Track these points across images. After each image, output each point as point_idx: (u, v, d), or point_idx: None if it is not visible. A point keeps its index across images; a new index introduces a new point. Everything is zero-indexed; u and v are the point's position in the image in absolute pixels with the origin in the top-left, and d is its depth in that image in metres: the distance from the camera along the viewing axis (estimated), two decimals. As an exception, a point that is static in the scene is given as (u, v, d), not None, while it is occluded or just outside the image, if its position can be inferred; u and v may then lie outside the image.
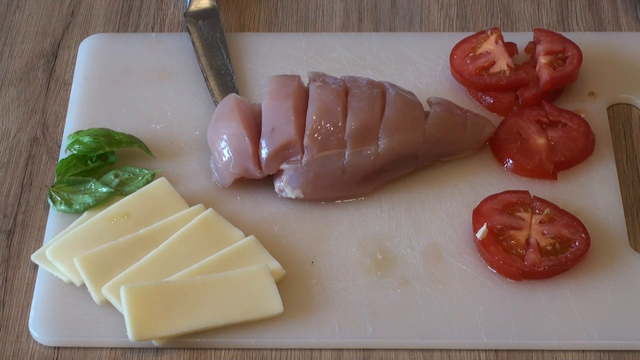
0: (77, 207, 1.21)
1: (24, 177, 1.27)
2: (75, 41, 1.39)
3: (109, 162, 1.25)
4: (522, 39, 1.35)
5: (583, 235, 1.17)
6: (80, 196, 1.22)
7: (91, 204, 1.21)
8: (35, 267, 1.18)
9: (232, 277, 1.14)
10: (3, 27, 1.41)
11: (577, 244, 1.16)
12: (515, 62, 1.31)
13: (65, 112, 1.32)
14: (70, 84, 1.35)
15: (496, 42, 1.31)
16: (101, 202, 1.21)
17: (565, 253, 1.16)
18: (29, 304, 1.16)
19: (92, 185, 1.22)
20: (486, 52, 1.32)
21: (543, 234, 1.17)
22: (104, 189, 1.21)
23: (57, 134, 1.30)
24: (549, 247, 1.16)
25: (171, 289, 1.12)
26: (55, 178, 1.23)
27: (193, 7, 1.40)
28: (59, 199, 1.22)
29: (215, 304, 1.12)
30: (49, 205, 1.22)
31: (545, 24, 1.41)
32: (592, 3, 1.43)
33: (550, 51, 1.30)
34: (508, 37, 1.34)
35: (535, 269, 1.14)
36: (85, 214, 1.20)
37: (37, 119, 1.32)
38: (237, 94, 1.29)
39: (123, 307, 1.11)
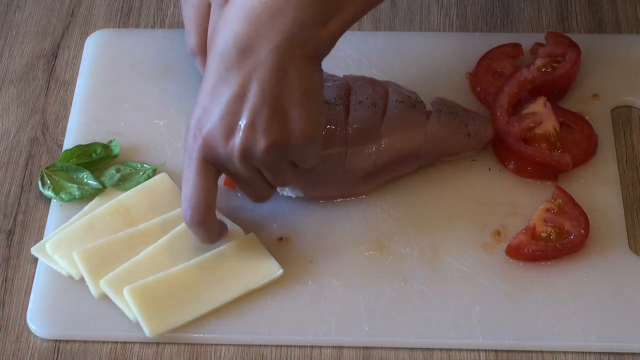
0: (63, 196, 1.21)
1: (24, 177, 1.26)
2: (75, 41, 1.39)
3: (112, 155, 1.25)
4: (528, 39, 1.34)
5: (582, 232, 1.16)
6: (70, 185, 1.21)
7: (77, 196, 1.21)
8: (36, 266, 1.18)
9: (224, 253, 1.15)
10: (3, 27, 1.41)
11: (571, 238, 1.16)
12: (519, 63, 1.31)
13: (65, 112, 1.32)
14: (70, 84, 1.34)
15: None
16: (88, 196, 1.21)
17: (555, 243, 1.16)
18: (29, 304, 1.16)
19: (85, 176, 1.22)
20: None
21: (544, 221, 1.17)
22: (94, 183, 1.21)
23: (57, 134, 1.30)
24: (543, 234, 1.17)
25: (171, 280, 1.13)
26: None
27: (194, 8, 1.40)
28: (48, 182, 1.22)
29: (216, 282, 1.13)
30: (49, 205, 1.22)
31: (545, 24, 1.40)
32: (592, 3, 1.42)
33: (550, 54, 1.30)
34: (509, 37, 1.34)
35: (521, 249, 1.15)
36: (86, 208, 1.20)
37: (37, 119, 1.32)
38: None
39: (131, 307, 1.11)
